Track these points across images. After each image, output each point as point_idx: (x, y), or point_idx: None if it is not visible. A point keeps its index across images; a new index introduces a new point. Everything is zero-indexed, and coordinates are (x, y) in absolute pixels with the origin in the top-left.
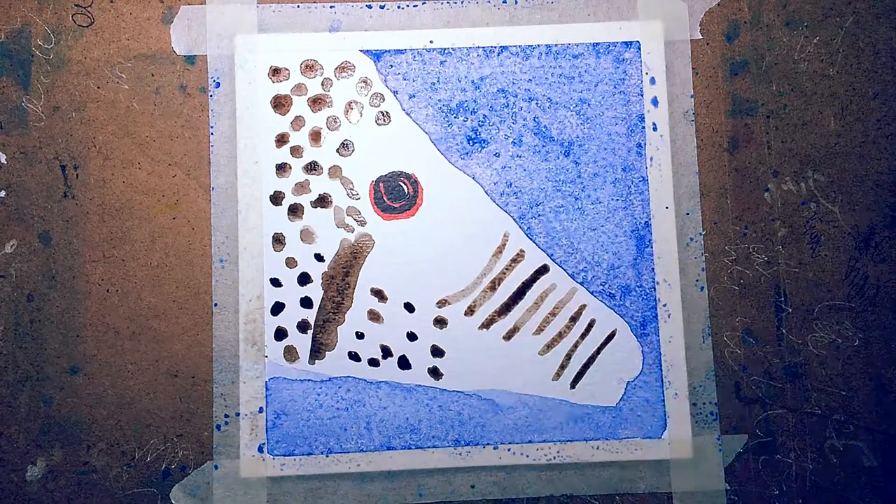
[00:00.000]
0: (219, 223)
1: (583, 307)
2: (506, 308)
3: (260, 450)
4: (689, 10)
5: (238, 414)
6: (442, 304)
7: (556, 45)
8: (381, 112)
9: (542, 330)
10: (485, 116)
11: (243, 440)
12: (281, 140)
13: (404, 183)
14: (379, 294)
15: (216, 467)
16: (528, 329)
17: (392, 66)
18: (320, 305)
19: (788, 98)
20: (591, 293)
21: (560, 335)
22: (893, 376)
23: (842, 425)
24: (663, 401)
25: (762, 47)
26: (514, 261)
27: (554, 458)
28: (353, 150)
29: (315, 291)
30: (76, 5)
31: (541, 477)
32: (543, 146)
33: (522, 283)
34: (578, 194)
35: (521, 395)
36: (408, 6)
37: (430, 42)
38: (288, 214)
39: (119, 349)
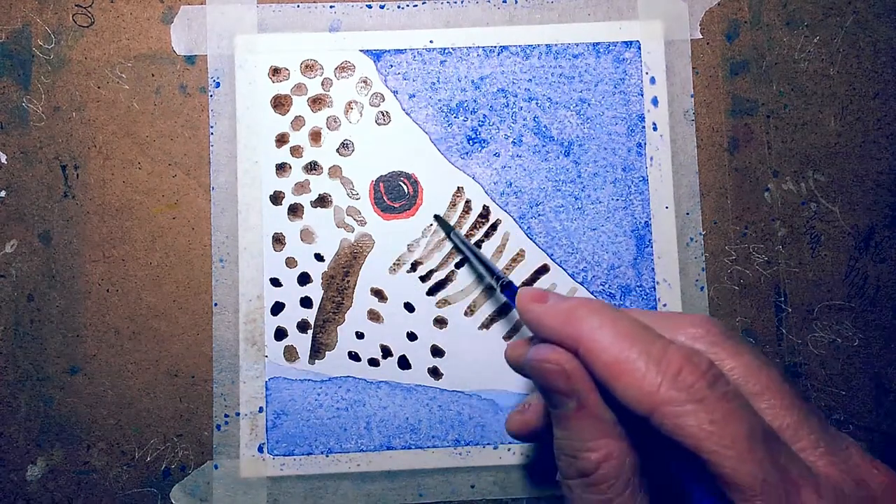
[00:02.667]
0: (219, 223)
1: None
2: (506, 308)
3: (260, 450)
4: (690, 10)
5: (238, 414)
6: (442, 304)
7: (556, 45)
8: (381, 112)
9: None
10: (485, 116)
11: (243, 440)
12: (281, 140)
13: (404, 183)
14: (379, 294)
15: (216, 467)
16: (528, 329)
17: (392, 65)
18: (320, 305)
19: (789, 98)
20: (592, 293)
21: None
22: (894, 376)
23: (841, 425)
24: None
25: (762, 47)
26: (515, 261)
27: None
28: (353, 150)
29: (315, 291)
30: (76, 5)
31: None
32: (543, 146)
33: (523, 283)
34: (578, 194)
35: (522, 395)
36: (408, 6)
37: (430, 42)
38: (288, 214)
39: (119, 349)
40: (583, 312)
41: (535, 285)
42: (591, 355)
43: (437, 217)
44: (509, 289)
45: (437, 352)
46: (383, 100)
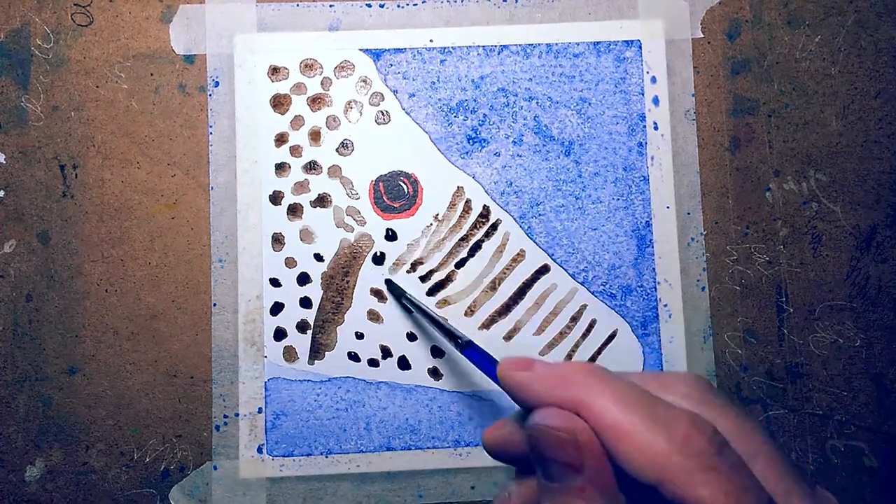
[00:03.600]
0: (218, 223)
1: (583, 307)
2: (506, 308)
3: (259, 450)
4: (691, 9)
5: (237, 414)
6: (442, 304)
7: (556, 44)
8: (381, 111)
9: (543, 330)
10: (485, 116)
11: (242, 441)
12: (280, 140)
13: (404, 182)
14: (378, 294)
15: (215, 468)
16: (528, 329)
17: (392, 65)
18: (319, 305)
19: (790, 97)
20: (592, 293)
21: (561, 335)
22: (895, 377)
23: (843, 426)
24: None
25: (763, 46)
26: (515, 261)
27: None
28: (352, 150)
29: (314, 291)
30: (75, 4)
31: None
32: (544, 145)
33: (523, 283)
34: (579, 194)
35: None
36: (408, 5)
37: (430, 41)
38: (287, 214)
39: (118, 349)
40: (579, 376)
41: (536, 285)
42: (592, 420)
43: (388, 282)
44: (469, 348)
45: (437, 352)
46: (383, 99)
